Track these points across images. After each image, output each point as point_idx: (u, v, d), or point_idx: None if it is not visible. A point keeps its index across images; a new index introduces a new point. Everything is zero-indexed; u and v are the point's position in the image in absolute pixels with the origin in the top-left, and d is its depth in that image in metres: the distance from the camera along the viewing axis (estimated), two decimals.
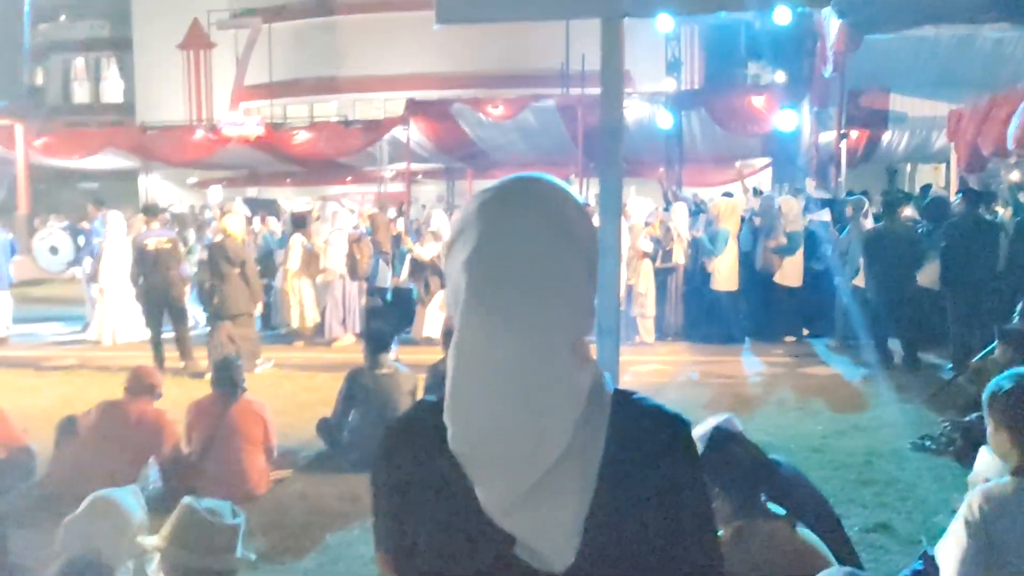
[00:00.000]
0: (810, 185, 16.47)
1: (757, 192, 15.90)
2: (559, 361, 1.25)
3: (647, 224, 12.55)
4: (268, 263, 13.41)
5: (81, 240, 15.25)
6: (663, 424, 1.34)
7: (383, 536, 1.39)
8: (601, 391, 1.31)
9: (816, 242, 12.18)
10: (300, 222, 13.14)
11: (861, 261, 10.93)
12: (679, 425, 1.35)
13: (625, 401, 1.34)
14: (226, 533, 3.30)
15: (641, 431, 1.32)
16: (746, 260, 12.27)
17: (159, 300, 10.74)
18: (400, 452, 1.37)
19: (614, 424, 1.30)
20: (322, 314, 12.77)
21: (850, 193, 14.62)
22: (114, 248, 12.69)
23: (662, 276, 12.33)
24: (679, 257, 12.27)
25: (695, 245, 12.38)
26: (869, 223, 11.49)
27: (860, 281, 11.16)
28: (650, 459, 1.30)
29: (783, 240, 12.00)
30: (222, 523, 3.31)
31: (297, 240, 12.60)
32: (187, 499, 3.43)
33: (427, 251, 12.42)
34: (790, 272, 12.05)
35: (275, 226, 15.01)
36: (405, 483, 1.34)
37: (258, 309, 11.08)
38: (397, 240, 14.16)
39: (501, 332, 1.24)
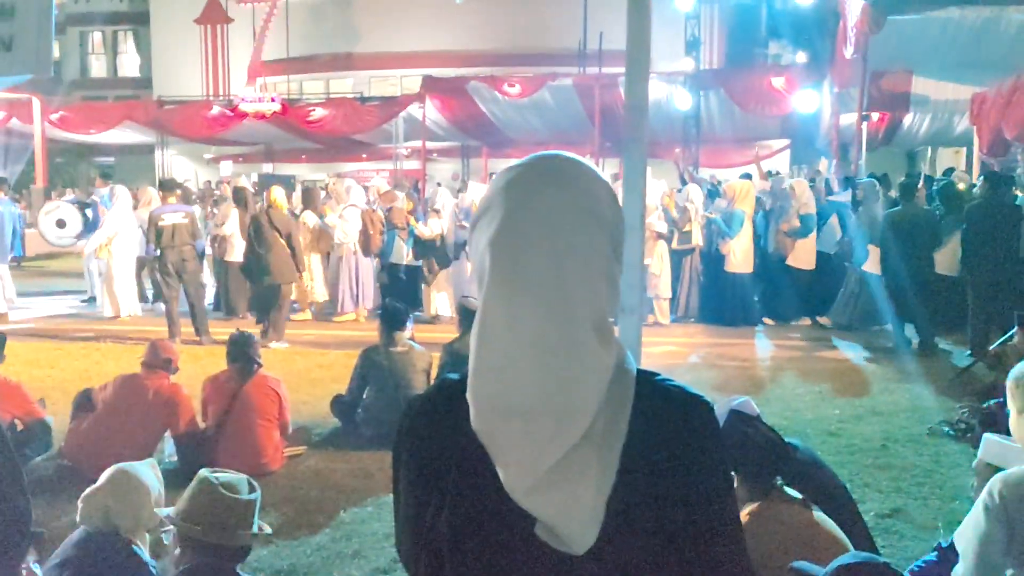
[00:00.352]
0: (823, 166, 16.38)
1: (772, 174, 15.78)
2: (583, 340, 1.23)
3: (660, 205, 12.49)
4: None
5: (89, 213, 15.27)
6: (686, 406, 1.33)
7: (403, 513, 1.38)
8: (624, 371, 1.29)
9: (842, 223, 12.09)
10: (310, 198, 13.13)
11: (870, 246, 10.92)
12: (702, 407, 1.33)
13: (648, 382, 1.33)
14: (242, 508, 3.30)
15: (664, 412, 1.30)
16: (760, 242, 12.24)
17: (175, 275, 10.84)
18: (422, 430, 1.36)
19: (637, 405, 1.28)
20: (333, 289, 12.83)
21: (871, 175, 14.52)
22: (119, 222, 12.74)
23: (678, 257, 12.28)
24: (697, 238, 12.22)
25: (709, 226, 12.33)
26: (880, 207, 11.39)
27: (871, 267, 11.13)
28: (673, 441, 1.29)
29: (796, 223, 11.93)
30: (239, 498, 3.31)
31: (308, 216, 12.61)
32: (204, 472, 3.44)
33: (430, 230, 12.40)
34: (803, 255, 12.00)
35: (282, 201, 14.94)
36: (426, 461, 1.33)
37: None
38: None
39: (525, 311, 1.22)
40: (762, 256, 12.23)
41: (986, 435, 4.97)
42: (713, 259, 12.36)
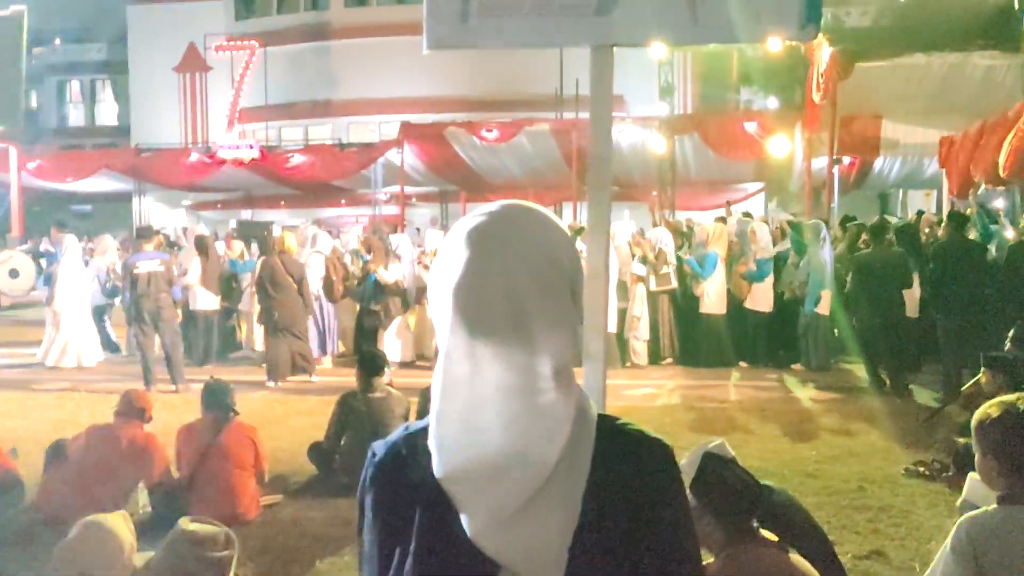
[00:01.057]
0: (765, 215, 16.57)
1: (746, 216, 15.95)
2: (544, 387, 1.26)
3: (629, 248, 12.64)
4: (231, 287, 13.56)
5: (44, 263, 15.21)
6: (646, 449, 1.35)
7: (368, 562, 1.39)
8: (586, 417, 1.32)
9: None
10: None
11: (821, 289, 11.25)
12: (662, 451, 1.36)
13: (609, 427, 1.35)
14: (216, 566, 3.27)
15: (625, 457, 1.33)
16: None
17: (151, 323, 10.85)
18: (385, 478, 1.37)
19: (599, 450, 1.31)
20: None
21: (848, 218, 14.69)
22: (69, 271, 12.79)
23: (656, 299, 12.37)
24: (674, 280, 12.32)
25: (681, 268, 12.46)
26: (827, 250, 11.60)
27: (823, 308, 11.40)
28: (634, 484, 1.31)
29: (752, 266, 12.10)
30: (212, 556, 3.28)
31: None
32: (181, 523, 3.41)
33: (390, 274, 12.47)
34: (759, 298, 12.14)
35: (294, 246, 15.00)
36: (390, 508, 1.35)
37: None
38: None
39: (486, 358, 1.25)
40: (732, 298, 12.35)
41: (971, 475, 5.01)
42: (687, 301, 12.46)
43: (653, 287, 12.29)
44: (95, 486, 5.76)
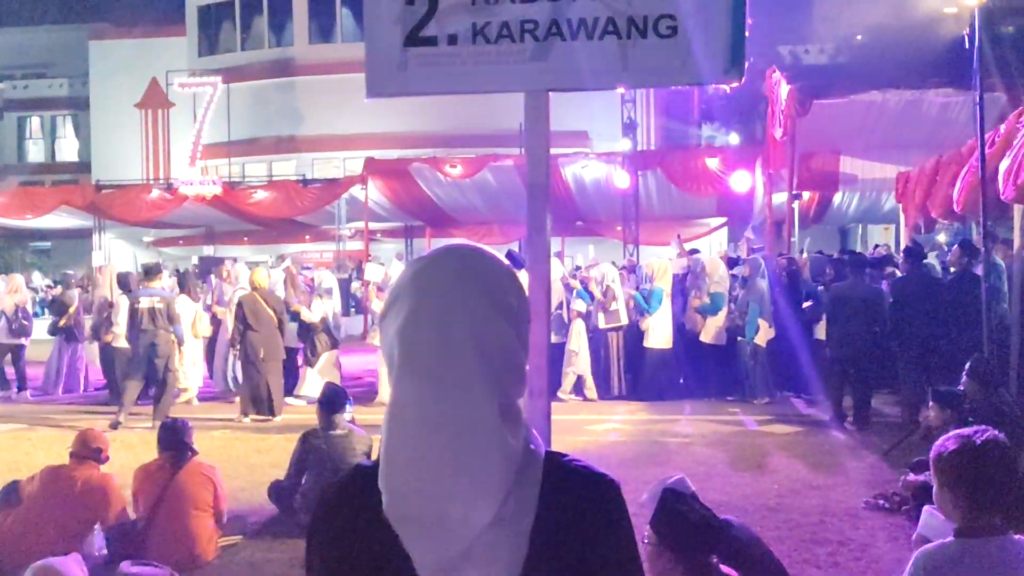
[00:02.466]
0: (748, 236, 16.80)
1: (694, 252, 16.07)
2: (490, 426, 1.27)
3: (571, 280, 12.83)
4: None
5: None
6: (593, 485, 1.37)
7: None
8: (532, 454, 1.33)
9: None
10: (183, 283, 13.28)
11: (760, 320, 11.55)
12: (609, 487, 1.37)
13: (556, 464, 1.36)
14: None
15: (572, 493, 1.34)
16: (678, 319, 12.60)
17: (146, 357, 11.19)
18: (335, 517, 1.38)
19: (545, 487, 1.32)
20: (222, 372, 13.40)
21: (807, 250, 14.88)
22: None
23: (604, 336, 12.46)
24: (623, 316, 12.46)
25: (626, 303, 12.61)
26: (765, 283, 11.87)
27: (760, 340, 11.71)
28: (581, 520, 1.32)
29: (705, 299, 12.29)
30: None
31: (182, 301, 12.65)
32: (123, 567, 3.36)
33: (315, 313, 12.59)
34: (713, 331, 12.32)
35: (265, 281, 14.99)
36: (339, 549, 1.35)
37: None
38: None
39: (432, 398, 1.26)
40: (681, 332, 12.55)
41: (926, 508, 5.05)
42: (633, 336, 12.58)
43: (602, 324, 12.40)
44: (49, 529, 5.64)
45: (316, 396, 11.93)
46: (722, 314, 12.29)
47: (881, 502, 7.04)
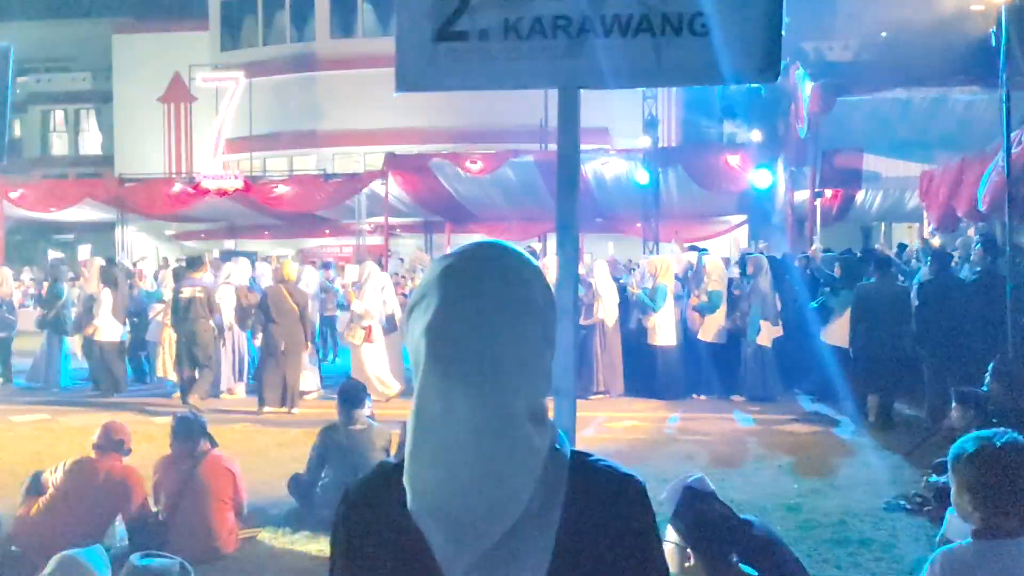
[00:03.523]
0: (761, 246, 16.67)
1: (700, 251, 15.93)
2: (516, 425, 1.26)
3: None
4: (142, 318, 13.88)
5: None
6: (618, 485, 1.36)
7: None
8: (558, 453, 1.33)
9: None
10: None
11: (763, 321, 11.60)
12: (634, 486, 1.37)
13: (581, 463, 1.36)
14: None
15: (597, 493, 1.33)
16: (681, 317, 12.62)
17: (187, 345, 11.63)
18: (359, 514, 1.37)
19: (571, 486, 1.31)
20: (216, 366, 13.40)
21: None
22: None
23: (583, 331, 12.43)
24: (600, 312, 12.41)
25: (632, 301, 12.59)
26: (767, 283, 11.88)
27: (764, 340, 11.78)
28: (606, 520, 1.32)
29: (704, 298, 12.29)
30: None
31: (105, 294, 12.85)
32: (133, 558, 3.38)
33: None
34: (712, 330, 12.31)
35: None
36: (363, 546, 1.35)
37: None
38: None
39: (459, 397, 1.26)
40: (685, 330, 12.58)
41: (951, 513, 5.00)
42: (635, 333, 12.59)
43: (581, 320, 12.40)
44: (72, 520, 5.68)
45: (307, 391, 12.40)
46: (720, 312, 12.31)
47: (903, 503, 7.00)
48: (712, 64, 2.47)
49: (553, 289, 1.40)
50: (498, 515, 1.24)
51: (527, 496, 1.25)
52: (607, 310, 12.45)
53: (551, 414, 1.37)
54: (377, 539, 1.33)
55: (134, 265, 18.10)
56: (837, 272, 11.89)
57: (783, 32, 2.44)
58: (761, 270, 12.08)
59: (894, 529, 6.53)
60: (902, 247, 17.04)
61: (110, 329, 12.81)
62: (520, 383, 1.28)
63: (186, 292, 11.70)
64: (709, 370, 12.37)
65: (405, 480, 1.29)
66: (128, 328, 13.52)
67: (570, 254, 2.57)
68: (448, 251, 1.38)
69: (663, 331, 12.30)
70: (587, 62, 2.54)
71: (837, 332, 11.34)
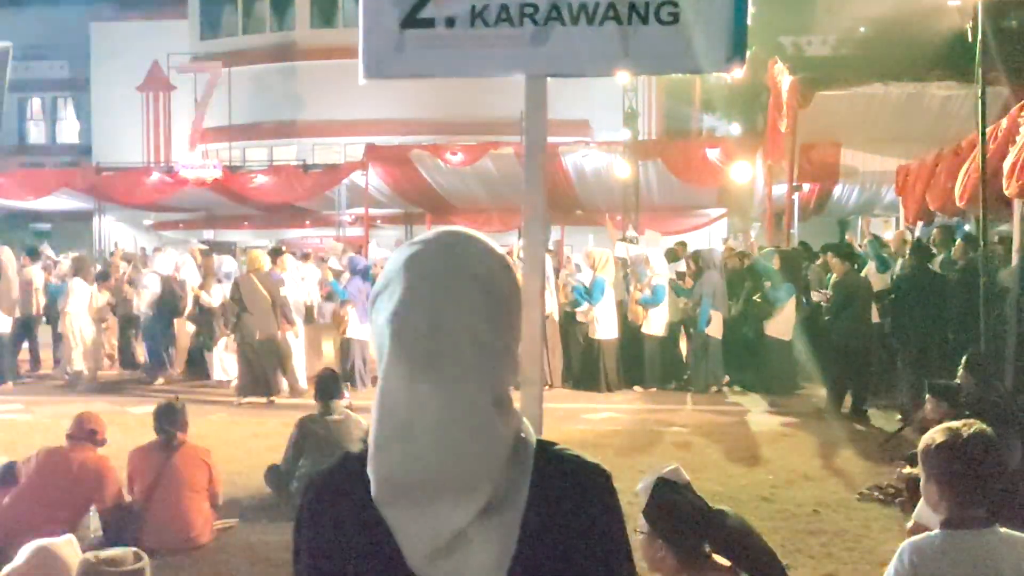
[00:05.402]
0: (632, 235, 16.71)
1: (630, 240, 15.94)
2: (481, 413, 1.26)
3: None
4: (53, 309, 14.03)
5: None
6: (584, 475, 1.36)
7: None
8: (523, 442, 1.33)
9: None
10: (81, 266, 13.39)
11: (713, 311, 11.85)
12: (600, 476, 1.37)
13: (547, 452, 1.36)
14: None
15: (563, 482, 1.34)
16: (620, 310, 12.75)
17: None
18: (322, 505, 1.37)
19: (536, 475, 1.32)
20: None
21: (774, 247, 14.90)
22: None
23: None
24: (550, 306, 12.46)
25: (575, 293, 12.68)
26: (717, 275, 12.12)
27: (714, 331, 11.98)
28: (571, 509, 1.32)
29: (648, 292, 12.37)
30: (124, 570, 3.25)
31: (77, 284, 12.91)
32: (85, 555, 3.40)
33: (214, 298, 12.82)
34: (656, 323, 12.43)
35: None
36: (327, 535, 1.34)
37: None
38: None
39: (424, 385, 1.26)
40: (624, 322, 12.69)
41: (922, 499, 5.05)
42: (575, 326, 12.69)
43: None
44: (45, 510, 5.65)
45: (222, 378, 12.62)
46: (663, 306, 12.43)
47: (876, 494, 7.08)
48: (679, 53, 2.49)
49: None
50: (462, 502, 1.24)
51: (492, 483, 1.25)
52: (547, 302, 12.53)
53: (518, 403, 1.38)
54: (341, 528, 1.33)
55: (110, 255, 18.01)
56: (776, 265, 12.08)
57: (749, 22, 2.46)
58: (712, 262, 12.25)
59: (867, 519, 6.60)
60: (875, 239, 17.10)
61: (79, 322, 12.74)
62: (484, 371, 1.28)
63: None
64: (653, 362, 12.50)
65: (369, 469, 1.29)
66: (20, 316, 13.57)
67: (536, 242, 2.58)
68: (411, 239, 1.38)
69: (603, 324, 12.36)
70: (554, 50, 2.54)
71: (779, 325, 11.61)
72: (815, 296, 11.76)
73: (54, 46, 37.08)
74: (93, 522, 6.10)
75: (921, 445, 2.86)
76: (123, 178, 24.30)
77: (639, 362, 12.58)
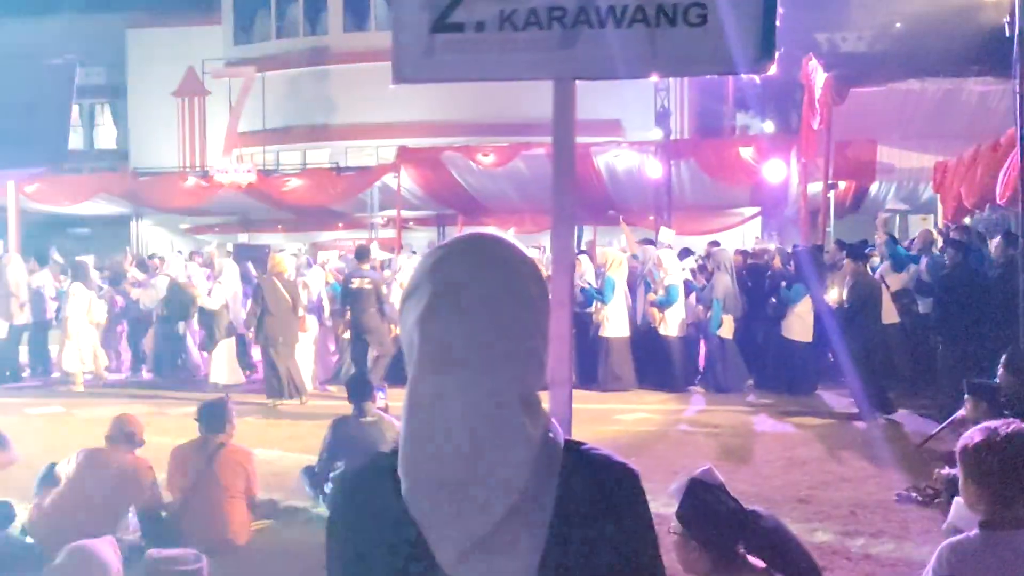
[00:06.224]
0: (665, 233, 16.57)
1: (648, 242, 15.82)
2: (510, 414, 1.27)
3: None
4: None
5: None
6: (612, 474, 1.37)
7: None
8: (551, 442, 1.33)
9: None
10: (80, 272, 13.54)
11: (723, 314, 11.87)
12: (627, 475, 1.37)
13: (575, 452, 1.37)
14: None
15: (591, 481, 1.34)
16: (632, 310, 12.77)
17: (359, 333, 12.02)
18: (353, 506, 1.38)
19: (564, 475, 1.32)
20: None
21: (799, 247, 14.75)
22: None
23: None
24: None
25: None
26: (727, 277, 12.08)
27: (726, 332, 11.96)
28: (600, 509, 1.33)
29: (662, 293, 12.39)
30: (186, 569, 3.29)
31: (75, 289, 13.13)
32: (148, 554, 3.43)
33: (215, 301, 13.03)
34: (672, 323, 12.38)
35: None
36: (358, 535, 1.36)
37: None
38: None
39: (453, 386, 1.27)
40: (633, 323, 12.71)
41: (956, 499, 4.99)
42: (584, 325, 12.66)
43: None
44: (85, 511, 5.73)
45: (222, 381, 12.71)
46: (678, 306, 12.39)
47: (914, 495, 6.98)
48: (708, 54, 2.48)
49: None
50: (491, 502, 1.25)
51: (520, 483, 1.26)
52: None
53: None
54: (371, 528, 1.34)
55: (149, 258, 18.26)
56: (791, 267, 12.02)
57: (777, 23, 2.44)
58: (721, 264, 12.24)
59: (906, 521, 6.52)
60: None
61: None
62: (511, 372, 1.29)
63: (356, 283, 11.94)
64: (668, 363, 12.49)
65: (399, 469, 1.30)
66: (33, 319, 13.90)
67: (565, 244, 2.58)
68: (440, 243, 1.40)
69: (613, 323, 12.40)
70: (582, 52, 2.55)
71: (795, 326, 11.58)
72: (828, 297, 11.65)
73: (91, 53, 37.51)
74: (132, 523, 6.19)
75: (959, 445, 2.83)
76: (159, 183, 24.59)
77: (655, 363, 12.58)
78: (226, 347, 13.00)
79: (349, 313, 11.97)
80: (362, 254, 12.67)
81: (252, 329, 12.03)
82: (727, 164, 20.08)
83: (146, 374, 13.93)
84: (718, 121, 29.64)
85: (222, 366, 12.97)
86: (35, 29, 33.13)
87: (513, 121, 26.68)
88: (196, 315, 13.30)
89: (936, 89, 14.95)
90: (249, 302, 12.35)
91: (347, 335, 12.48)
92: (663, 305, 12.39)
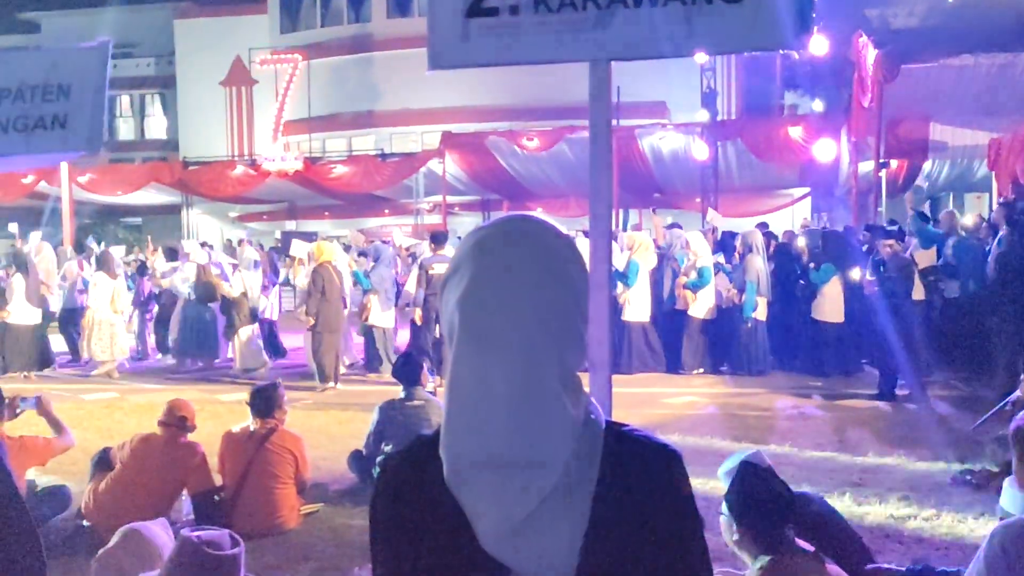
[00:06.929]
0: (713, 216, 16.42)
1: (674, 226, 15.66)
2: (551, 396, 1.27)
3: None
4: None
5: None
6: (654, 455, 1.36)
7: (380, 571, 1.40)
8: (593, 423, 1.33)
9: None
10: (104, 261, 13.64)
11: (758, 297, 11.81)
12: (669, 456, 1.37)
13: (616, 433, 1.36)
14: (226, 563, 3.31)
15: (633, 463, 1.33)
16: (659, 292, 12.71)
17: (431, 320, 12.06)
18: (396, 487, 1.39)
19: (606, 456, 1.31)
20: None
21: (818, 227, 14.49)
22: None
23: None
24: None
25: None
26: (759, 259, 11.97)
27: (760, 314, 11.92)
28: (642, 490, 1.32)
29: (693, 275, 12.32)
30: (223, 553, 3.33)
31: (99, 278, 13.34)
32: (183, 533, 3.47)
33: (235, 288, 13.18)
34: (704, 306, 12.33)
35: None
36: (401, 518, 1.36)
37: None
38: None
39: (494, 367, 1.27)
40: (659, 305, 12.64)
41: (1006, 481, 4.90)
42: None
43: None
44: (138, 495, 5.84)
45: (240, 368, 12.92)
46: (710, 288, 12.32)
47: (968, 477, 6.86)
48: (745, 31, 2.44)
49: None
50: (534, 483, 1.24)
51: (561, 465, 1.26)
52: None
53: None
54: (414, 510, 1.34)
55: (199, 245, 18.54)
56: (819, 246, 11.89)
57: None
58: (752, 246, 12.11)
59: (960, 504, 6.40)
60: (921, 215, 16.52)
61: (26, 313, 13.11)
62: (552, 353, 1.28)
63: (436, 268, 11.97)
64: (700, 346, 12.48)
65: (441, 451, 1.30)
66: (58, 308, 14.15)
67: (603, 227, 2.56)
68: (480, 225, 1.39)
69: (634, 306, 12.36)
70: (618, 33, 2.52)
71: (825, 307, 11.50)
72: (854, 275, 11.47)
73: (140, 44, 38.15)
74: (185, 506, 6.30)
75: (1012, 426, 2.77)
76: (208, 172, 24.92)
77: (689, 346, 12.56)
78: (246, 334, 13.13)
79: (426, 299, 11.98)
80: (439, 238, 12.58)
81: (310, 315, 11.97)
82: (775, 144, 19.81)
83: (171, 359, 14.10)
84: (766, 101, 29.27)
85: (244, 352, 13.13)
86: (84, 22, 33.70)
87: (557, 104, 26.60)
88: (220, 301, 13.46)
89: (990, 64, 14.60)
90: (307, 285, 12.39)
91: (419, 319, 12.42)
92: (696, 287, 12.33)
